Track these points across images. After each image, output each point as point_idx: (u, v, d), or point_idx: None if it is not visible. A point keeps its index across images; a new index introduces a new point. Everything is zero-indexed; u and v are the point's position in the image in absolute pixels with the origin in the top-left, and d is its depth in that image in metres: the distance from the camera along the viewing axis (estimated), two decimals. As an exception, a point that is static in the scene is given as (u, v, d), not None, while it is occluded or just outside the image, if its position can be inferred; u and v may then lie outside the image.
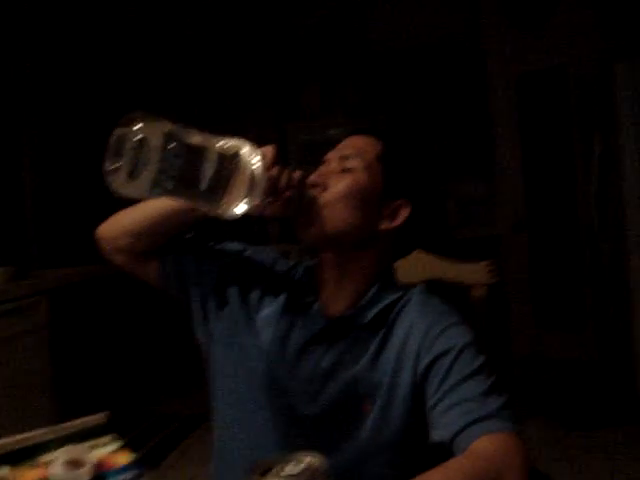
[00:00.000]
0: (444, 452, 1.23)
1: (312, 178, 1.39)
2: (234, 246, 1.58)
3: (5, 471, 0.73)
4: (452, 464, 1.15)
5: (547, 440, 4.22)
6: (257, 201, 1.23)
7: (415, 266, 1.81)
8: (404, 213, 1.42)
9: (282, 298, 1.47)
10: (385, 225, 1.42)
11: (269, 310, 1.46)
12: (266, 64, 6.12)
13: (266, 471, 0.85)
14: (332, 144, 1.49)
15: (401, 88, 5.95)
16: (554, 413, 4.59)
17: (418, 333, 1.34)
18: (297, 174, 1.35)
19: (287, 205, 1.34)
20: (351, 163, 1.40)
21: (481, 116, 5.76)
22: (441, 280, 1.79)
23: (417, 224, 1.45)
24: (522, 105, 5.50)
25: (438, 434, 1.25)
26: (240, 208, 1.21)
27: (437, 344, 1.31)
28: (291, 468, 0.85)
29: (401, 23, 6.01)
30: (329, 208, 1.36)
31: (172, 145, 1.15)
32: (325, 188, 1.38)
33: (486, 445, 1.17)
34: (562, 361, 5.27)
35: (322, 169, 1.43)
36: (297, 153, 5.92)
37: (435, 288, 1.81)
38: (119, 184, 1.12)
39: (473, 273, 1.77)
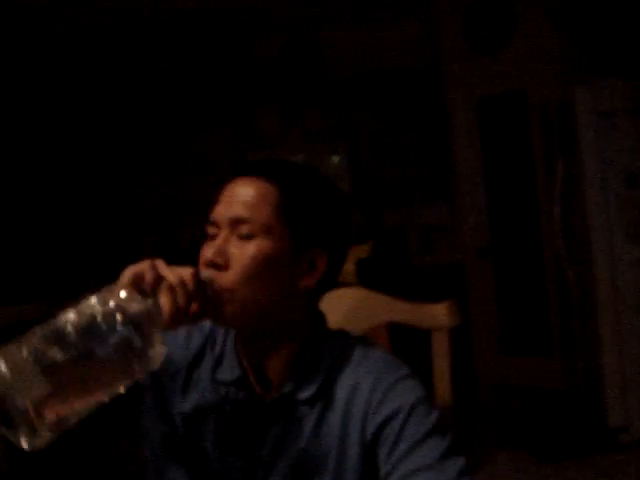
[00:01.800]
0: None
1: (208, 256, 1.19)
2: None
3: None
4: None
5: (516, 471, 4.15)
6: (166, 328, 1.09)
7: (373, 309, 1.71)
8: (322, 262, 1.26)
9: (202, 380, 1.32)
10: (305, 282, 1.25)
11: (187, 402, 1.32)
12: (224, 91, 6.06)
13: None
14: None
15: (361, 113, 5.91)
16: (524, 443, 4.51)
17: (363, 392, 1.22)
18: (188, 277, 1.13)
19: (198, 309, 1.17)
20: (247, 228, 1.20)
21: (442, 141, 5.72)
22: (400, 324, 1.68)
23: (337, 266, 1.32)
24: (483, 129, 5.45)
25: None
26: (160, 350, 1.07)
27: (385, 404, 1.19)
28: None
29: (361, 48, 5.99)
30: (236, 290, 1.18)
31: (50, 349, 0.99)
32: (226, 266, 1.19)
33: None
34: (530, 389, 5.20)
35: (217, 242, 1.21)
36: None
37: (394, 332, 1.73)
38: (30, 442, 0.94)
39: (434, 316, 1.66)
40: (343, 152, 5.89)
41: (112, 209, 6.26)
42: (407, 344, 1.52)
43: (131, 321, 1.03)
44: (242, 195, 1.21)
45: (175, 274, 1.11)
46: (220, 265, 1.18)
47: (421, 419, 1.18)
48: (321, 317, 1.34)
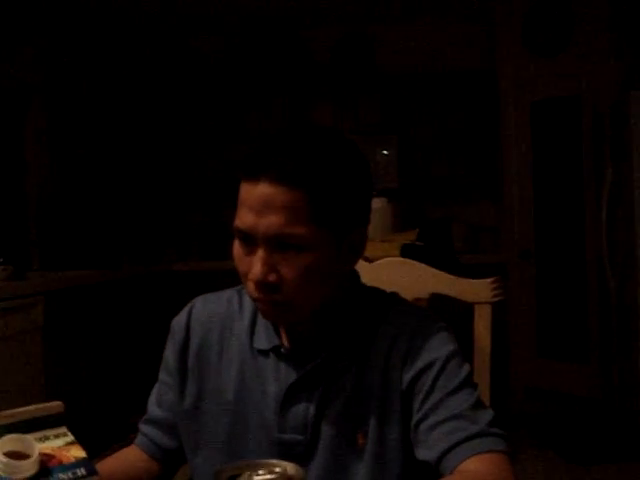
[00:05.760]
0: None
1: (259, 276, 1.15)
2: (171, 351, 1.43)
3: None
4: None
5: (545, 472, 4.15)
6: None
7: (418, 280, 1.75)
8: (362, 239, 1.27)
9: (238, 348, 1.35)
10: (350, 264, 1.29)
11: (229, 370, 1.35)
12: (280, 83, 6.12)
13: (233, 477, 0.77)
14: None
15: (414, 109, 5.94)
16: (554, 445, 4.51)
17: (402, 343, 1.25)
18: None
19: None
20: (291, 243, 1.15)
21: (492, 141, 5.73)
22: (444, 296, 1.72)
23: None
24: (535, 132, 5.45)
25: (424, 453, 1.19)
26: None
27: (422, 355, 1.23)
28: (262, 476, 0.77)
29: (416, 45, 6.02)
30: (293, 301, 1.20)
31: None
32: (279, 283, 1.17)
33: (477, 466, 1.12)
34: (563, 393, 5.19)
35: (262, 257, 1.16)
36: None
37: (438, 303, 1.76)
38: None
39: (477, 290, 1.70)
40: (393, 147, 5.92)
41: (161, 188, 6.36)
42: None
43: None
44: (277, 208, 1.13)
45: None
46: (272, 282, 1.17)
47: (454, 371, 1.22)
48: (355, 275, 1.36)
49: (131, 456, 1.42)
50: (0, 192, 4.76)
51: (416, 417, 1.21)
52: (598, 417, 4.82)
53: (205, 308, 1.41)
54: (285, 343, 1.30)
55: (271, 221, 1.13)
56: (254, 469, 0.78)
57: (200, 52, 6.28)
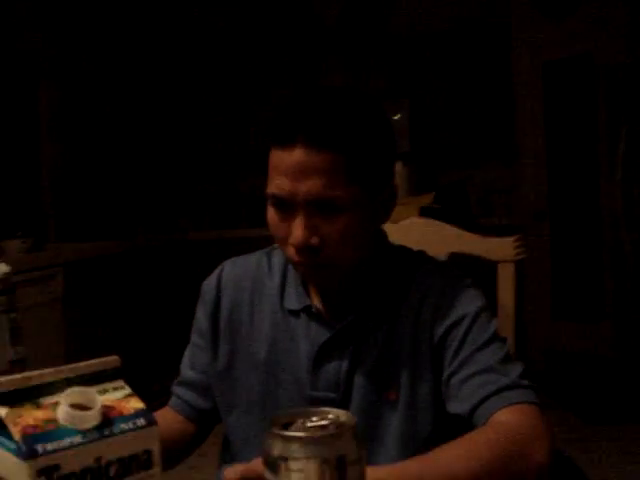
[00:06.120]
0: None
1: (300, 239, 1.17)
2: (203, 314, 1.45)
3: (4, 411, 0.67)
4: (476, 436, 1.11)
5: (562, 432, 4.16)
6: None
7: (442, 239, 1.76)
8: (392, 196, 1.31)
9: (268, 309, 1.37)
10: (382, 221, 1.33)
11: (261, 331, 1.37)
12: (288, 48, 6.09)
13: (287, 425, 0.78)
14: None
15: (424, 72, 5.90)
16: (570, 405, 4.52)
17: (432, 299, 1.28)
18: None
19: None
20: (329, 205, 1.17)
21: (505, 103, 5.69)
22: (467, 254, 1.72)
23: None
24: (547, 92, 5.42)
25: (456, 407, 1.22)
26: None
27: (452, 310, 1.26)
28: (315, 422, 0.78)
29: (428, 7, 5.95)
30: (335, 262, 1.23)
31: None
32: (320, 245, 1.19)
33: (508, 417, 1.14)
34: (579, 353, 5.20)
35: (302, 222, 1.18)
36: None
37: (461, 262, 1.77)
38: None
39: (502, 248, 1.71)
40: (405, 111, 5.89)
41: (174, 158, 6.36)
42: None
43: None
44: (315, 172, 1.15)
45: None
46: (314, 245, 1.18)
47: (483, 326, 1.25)
48: (383, 235, 1.39)
49: (166, 418, 1.43)
50: (15, 165, 4.78)
51: (447, 371, 1.24)
52: (615, 377, 4.83)
53: (234, 270, 1.44)
54: (316, 303, 1.32)
55: (310, 185, 1.15)
56: (307, 416, 0.79)
57: (208, 19, 6.24)
